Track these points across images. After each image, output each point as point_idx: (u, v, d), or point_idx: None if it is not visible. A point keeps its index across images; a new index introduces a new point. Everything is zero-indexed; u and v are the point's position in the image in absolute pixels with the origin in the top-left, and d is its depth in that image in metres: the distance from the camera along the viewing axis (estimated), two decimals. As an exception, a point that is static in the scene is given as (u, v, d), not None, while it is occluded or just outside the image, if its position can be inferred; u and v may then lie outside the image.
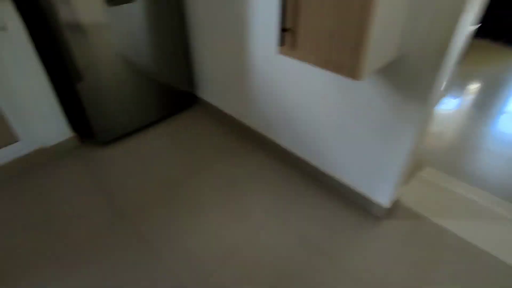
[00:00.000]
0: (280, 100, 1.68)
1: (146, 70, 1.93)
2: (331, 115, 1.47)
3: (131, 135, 2.07)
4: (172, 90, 2.14)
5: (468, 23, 1.10)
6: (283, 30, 1.01)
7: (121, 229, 1.47)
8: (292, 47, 1.02)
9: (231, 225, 1.48)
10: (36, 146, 1.79)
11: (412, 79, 1.12)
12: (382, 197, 1.47)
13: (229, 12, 1.68)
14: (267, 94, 1.74)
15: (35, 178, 1.74)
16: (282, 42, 1.03)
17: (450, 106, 2.40)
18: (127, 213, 1.54)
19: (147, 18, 1.79)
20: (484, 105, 2.41)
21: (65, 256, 1.35)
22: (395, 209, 1.55)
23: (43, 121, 1.76)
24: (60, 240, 1.42)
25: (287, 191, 1.66)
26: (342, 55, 0.94)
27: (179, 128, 2.15)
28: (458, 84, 2.70)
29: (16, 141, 1.70)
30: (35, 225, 1.48)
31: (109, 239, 1.42)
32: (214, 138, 2.05)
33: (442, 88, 1.23)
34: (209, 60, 2.04)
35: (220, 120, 2.21)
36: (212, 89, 2.18)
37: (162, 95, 2.10)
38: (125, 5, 1.66)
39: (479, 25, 3.36)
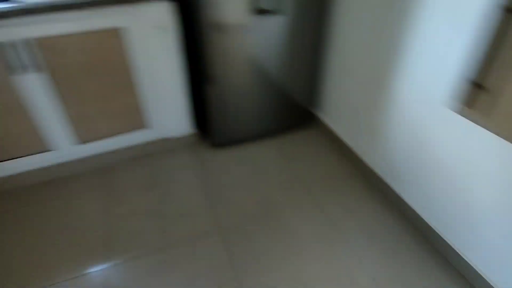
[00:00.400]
0: (423, 153, 1.37)
1: (273, 81, 1.86)
2: (500, 198, 1.09)
3: (244, 143, 2.05)
4: (293, 105, 2.03)
5: None
6: (475, 85, 0.76)
7: (214, 242, 1.43)
8: (483, 111, 0.76)
9: (327, 281, 1.29)
10: (161, 135, 1.91)
11: None
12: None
13: (381, 37, 1.45)
14: (406, 140, 1.45)
15: (153, 165, 1.86)
16: (468, 100, 0.78)
17: None
18: (223, 225, 1.50)
19: (288, 31, 1.70)
20: None
21: (159, 252, 1.39)
22: None
23: (173, 114, 1.86)
24: (160, 233, 1.46)
25: (404, 260, 1.37)
26: None
27: (292, 146, 2.03)
28: None
29: (146, 128, 1.85)
30: (143, 209, 1.57)
31: (200, 249, 1.40)
32: (326, 167, 1.86)
33: None
34: (341, 84, 1.85)
35: (336, 149, 2.00)
36: (335, 113, 1.98)
37: (282, 108, 2.01)
38: (269, 16, 1.61)
39: None
